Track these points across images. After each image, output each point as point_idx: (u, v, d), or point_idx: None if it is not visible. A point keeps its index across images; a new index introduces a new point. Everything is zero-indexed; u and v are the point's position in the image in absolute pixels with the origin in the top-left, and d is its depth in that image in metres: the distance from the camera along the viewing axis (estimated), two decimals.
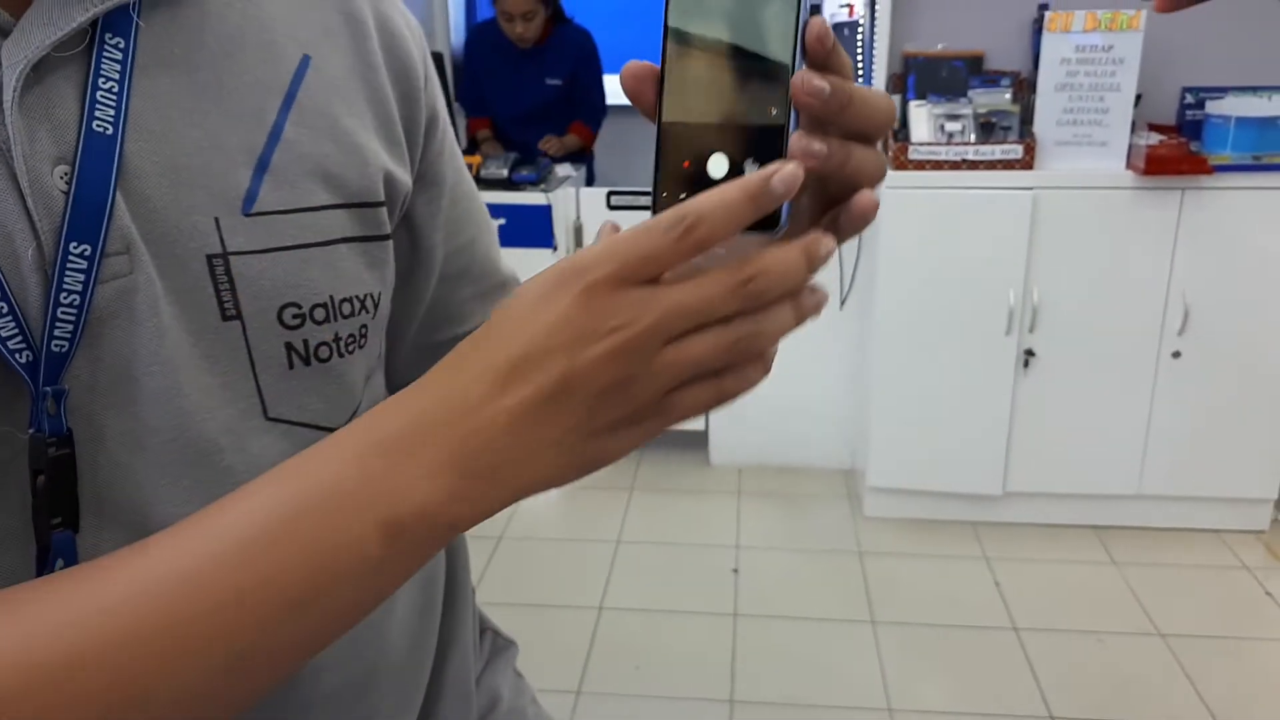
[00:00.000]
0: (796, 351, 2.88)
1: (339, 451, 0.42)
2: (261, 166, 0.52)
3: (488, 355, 0.41)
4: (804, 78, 0.40)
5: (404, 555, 0.42)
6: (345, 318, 0.55)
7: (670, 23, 0.42)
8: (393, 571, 0.42)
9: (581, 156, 3.52)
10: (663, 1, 0.43)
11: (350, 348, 0.56)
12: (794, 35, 0.41)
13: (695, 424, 3.23)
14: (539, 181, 3.09)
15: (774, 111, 0.41)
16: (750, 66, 0.42)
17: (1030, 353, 2.74)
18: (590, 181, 3.60)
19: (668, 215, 0.39)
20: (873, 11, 2.90)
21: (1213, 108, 2.74)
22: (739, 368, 0.42)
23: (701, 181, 0.42)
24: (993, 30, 2.96)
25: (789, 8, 0.41)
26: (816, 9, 0.40)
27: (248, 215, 0.51)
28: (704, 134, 0.42)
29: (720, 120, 0.42)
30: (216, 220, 0.50)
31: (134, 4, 0.48)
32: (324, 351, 0.55)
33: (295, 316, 0.53)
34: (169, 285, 0.49)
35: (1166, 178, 2.58)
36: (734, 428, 3.23)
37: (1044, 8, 2.86)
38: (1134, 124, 2.67)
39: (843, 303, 2.98)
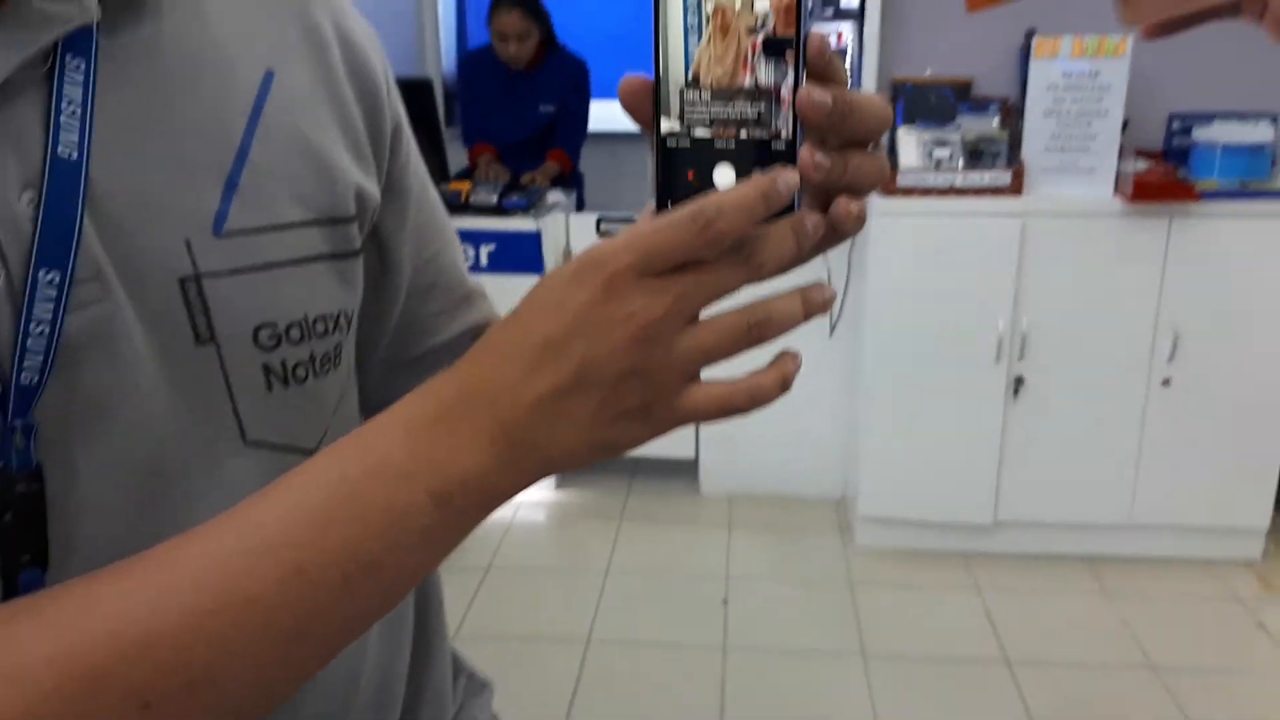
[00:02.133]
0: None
1: (385, 429, 0.44)
2: (231, 185, 0.51)
3: (518, 338, 0.43)
4: (808, 92, 0.42)
5: (452, 524, 0.44)
6: (320, 336, 0.55)
7: (668, 35, 0.44)
8: (442, 540, 0.45)
9: (567, 181, 3.51)
10: (653, 11, 0.45)
11: (326, 367, 0.56)
12: (797, 49, 0.43)
13: (685, 452, 3.21)
14: (529, 208, 3.09)
15: (780, 125, 0.43)
16: (754, 81, 0.43)
17: (1020, 380, 2.73)
18: (580, 207, 3.59)
19: (688, 210, 0.41)
20: (861, 37, 2.91)
21: (1200, 134, 2.74)
22: (754, 380, 0.44)
23: (707, 189, 0.44)
24: (981, 57, 2.96)
25: (791, 23, 0.43)
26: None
27: (219, 235, 0.50)
28: (709, 147, 0.44)
29: (728, 132, 0.44)
30: (187, 241, 0.49)
31: (95, 25, 0.47)
32: (301, 372, 0.54)
33: (271, 337, 0.52)
34: (141, 311, 0.48)
35: (1154, 204, 2.58)
36: (724, 457, 3.21)
37: (1031, 34, 2.87)
38: (1121, 150, 2.67)
39: (832, 330, 2.97)
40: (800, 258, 0.43)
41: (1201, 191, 2.58)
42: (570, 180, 3.53)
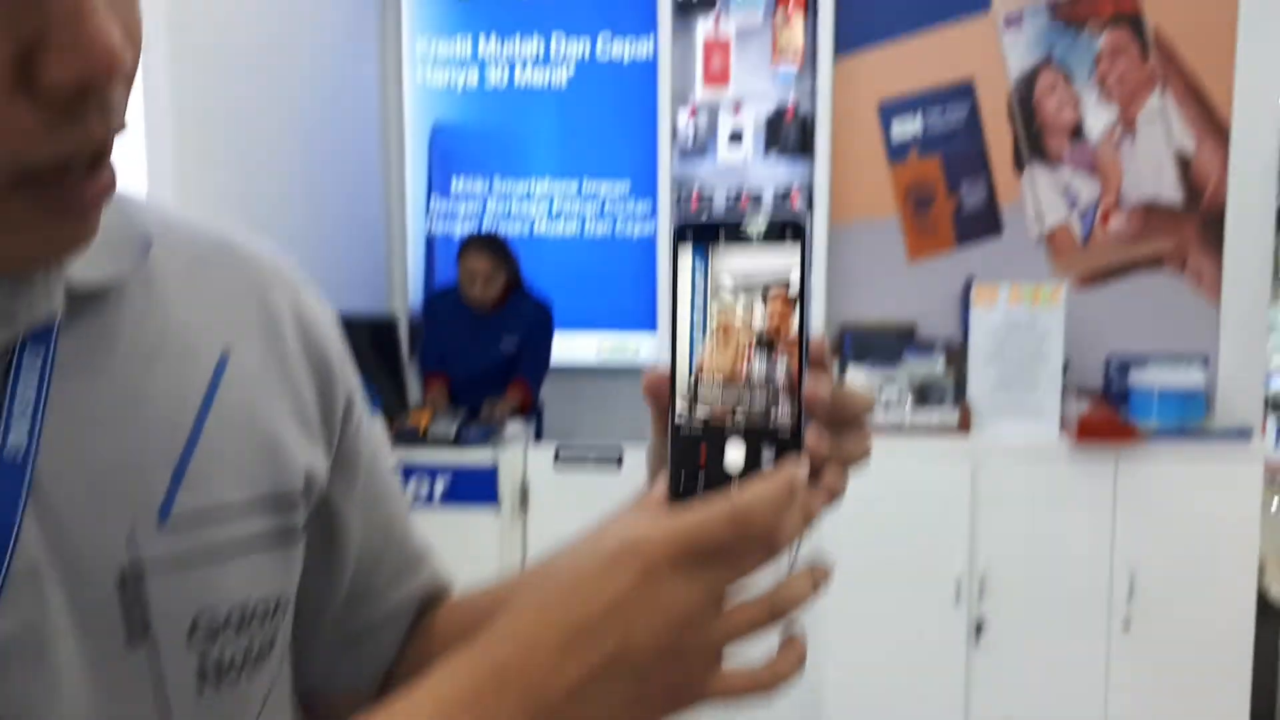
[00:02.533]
0: None
1: (417, 706, 0.44)
2: (179, 470, 0.51)
3: (553, 619, 0.44)
4: (813, 386, 0.48)
5: None
6: (260, 623, 0.54)
7: (677, 336, 0.50)
8: None
9: (527, 412, 3.54)
10: (670, 318, 0.51)
11: (260, 658, 0.54)
12: (800, 348, 0.48)
13: None
14: (487, 440, 3.09)
15: (785, 413, 0.49)
16: (765, 377, 0.49)
17: (981, 624, 2.68)
18: (539, 436, 3.61)
19: (726, 509, 0.44)
20: (808, 281, 3.06)
21: (1136, 377, 2.85)
22: (777, 667, 0.46)
23: (719, 472, 0.49)
24: (923, 302, 3.11)
25: (794, 330, 0.49)
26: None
27: (163, 525, 0.50)
28: (720, 432, 0.49)
29: (737, 419, 0.49)
30: (130, 532, 0.48)
31: (57, 320, 0.48)
32: (236, 667, 0.53)
33: (209, 628, 0.51)
34: (74, 609, 0.46)
35: (1100, 444, 2.64)
36: None
37: (970, 282, 3.03)
38: (1064, 391, 2.76)
39: (791, 569, 2.93)
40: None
41: (1144, 433, 2.65)
42: (529, 413, 3.57)
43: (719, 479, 0.49)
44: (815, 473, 0.49)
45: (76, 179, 0.42)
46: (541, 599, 0.45)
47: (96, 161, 0.42)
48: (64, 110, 0.39)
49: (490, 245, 3.46)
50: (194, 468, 0.51)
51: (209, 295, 0.56)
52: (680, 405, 0.50)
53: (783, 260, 0.49)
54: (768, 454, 0.49)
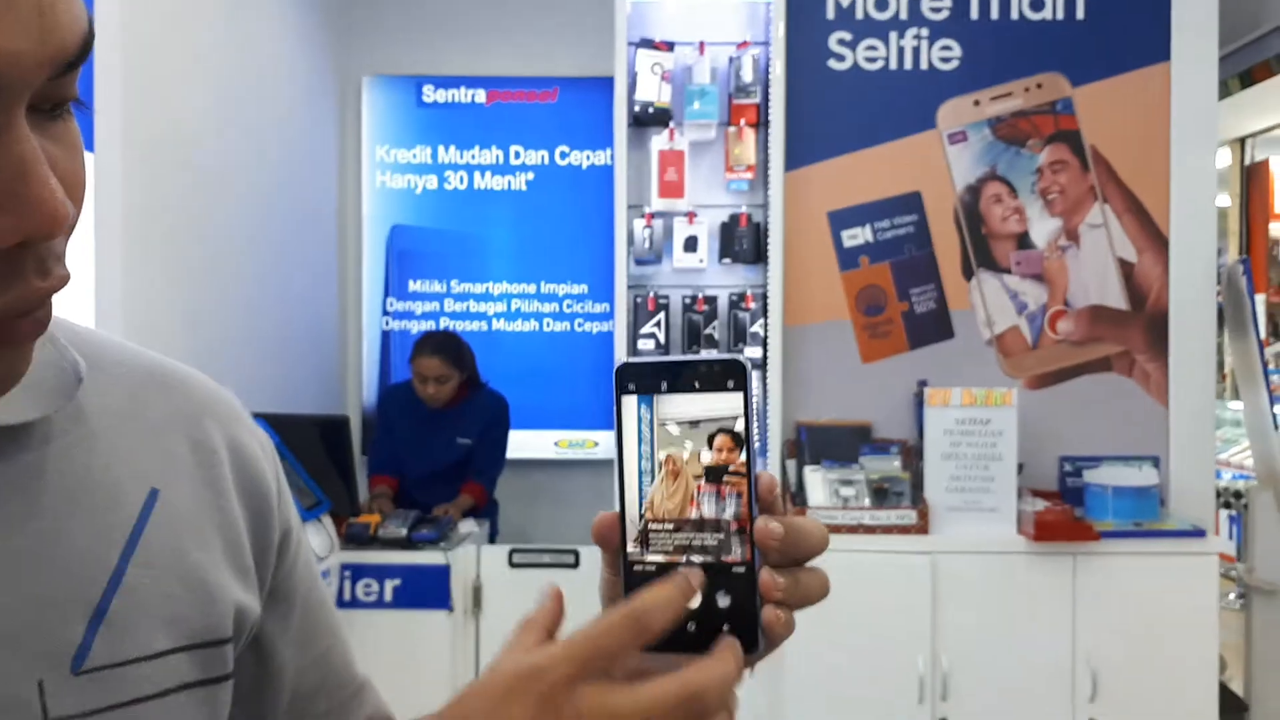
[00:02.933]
0: None
1: None
2: (98, 616, 0.48)
3: None
4: (765, 523, 0.48)
5: None
6: None
7: (625, 478, 0.50)
8: None
9: (481, 512, 3.48)
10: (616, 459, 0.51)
11: None
12: (749, 487, 0.49)
13: None
14: (439, 540, 3.03)
15: (741, 552, 0.49)
16: (715, 517, 0.49)
17: None
18: (493, 537, 3.54)
19: (623, 611, 0.45)
20: (765, 385, 3.07)
21: (1090, 477, 2.88)
22: None
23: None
24: (878, 402, 3.14)
25: (744, 465, 0.49)
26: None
27: (77, 674, 0.47)
28: (674, 571, 0.49)
29: (691, 560, 0.49)
30: (40, 684, 0.45)
31: None
32: None
33: None
34: None
35: (1057, 543, 2.65)
36: None
37: (923, 384, 3.07)
38: (1020, 490, 2.78)
39: (751, 669, 2.87)
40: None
41: (1100, 531, 2.67)
42: (481, 510, 3.51)
43: (675, 622, 0.49)
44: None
45: (12, 321, 0.41)
46: None
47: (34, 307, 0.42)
48: (3, 268, 0.39)
49: (444, 347, 3.45)
50: (114, 612, 0.49)
51: (141, 430, 0.54)
52: (632, 548, 0.50)
53: (726, 400, 0.49)
54: (723, 596, 0.49)
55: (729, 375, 0.49)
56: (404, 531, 3.01)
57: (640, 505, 0.50)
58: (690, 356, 0.51)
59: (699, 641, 0.49)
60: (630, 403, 0.50)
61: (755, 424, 0.51)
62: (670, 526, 0.50)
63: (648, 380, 0.50)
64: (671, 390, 0.50)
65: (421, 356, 3.42)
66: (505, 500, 3.71)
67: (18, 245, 0.39)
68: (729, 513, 0.49)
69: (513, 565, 2.98)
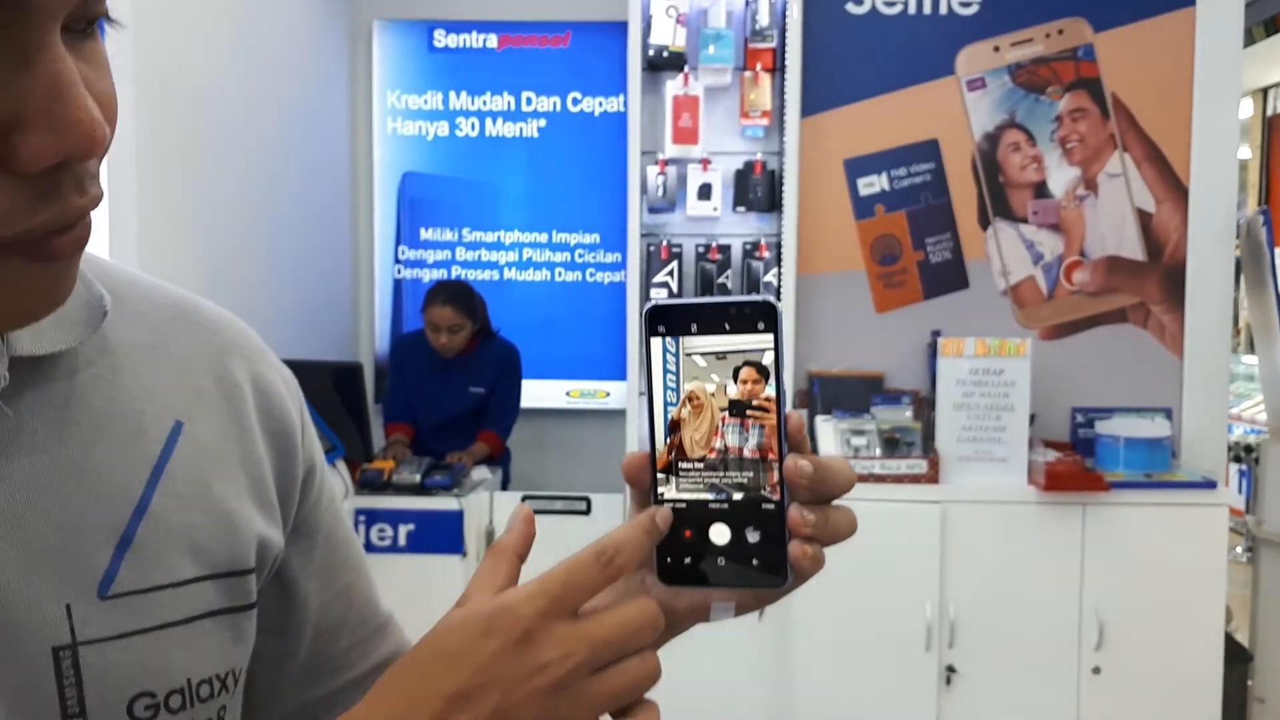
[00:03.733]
0: (718, 664, 2.75)
1: None
2: (124, 543, 0.49)
3: (427, 686, 0.44)
4: (794, 461, 0.49)
5: None
6: (203, 701, 0.52)
7: (655, 417, 0.51)
8: None
9: (494, 459, 3.51)
10: (646, 399, 0.51)
11: None
12: (779, 425, 0.50)
13: None
14: (452, 486, 3.05)
15: (769, 489, 0.50)
16: (745, 454, 0.50)
17: (952, 669, 2.67)
18: (506, 483, 3.57)
19: (592, 549, 0.46)
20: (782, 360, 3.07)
21: (1102, 428, 2.88)
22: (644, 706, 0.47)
23: (705, 550, 0.50)
24: (890, 353, 3.13)
25: (772, 402, 0.50)
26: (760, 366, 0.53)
27: (104, 598, 0.48)
28: (705, 508, 0.50)
29: (722, 497, 0.50)
30: (68, 607, 0.47)
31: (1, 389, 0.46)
32: None
33: (148, 707, 0.49)
34: (6, 686, 0.44)
35: (1067, 494, 2.66)
36: None
37: (937, 334, 3.06)
38: (1031, 441, 2.78)
39: (761, 614, 2.90)
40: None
41: (1110, 482, 2.68)
42: (496, 458, 3.53)
43: (705, 557, 0.50)
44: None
45: (52, 237, 0.41)
46: (418, 667, 0.45)
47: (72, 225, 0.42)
48: (42, 187, 0.39)
49: (456, 296, 3.45)
50: (140, 538, 0.50)
51: (166, 364, 0.55)
52: (662, 487, 0.51)
53: (756, 339, 0.49)
54: (752, 531, 0.50)
55: (760, 317, 0.49)
56: (417, 478, 3.03)
57: (670, 445, 0.51)
58: (721, 299, 0.51)
59: (729, 574, 0.51)
60: (658, 344, 0.51)
61: (785, 364, 0.51)
62: (700, 464, 0.50)
63: (677, 322, 0.50)
64: (701, 332, 0.50)
65: (434, 306, 3.42)
66: (517, 450, 3.73)
67: (56, 165, 0.39)
68: (758, 448, 0.50)
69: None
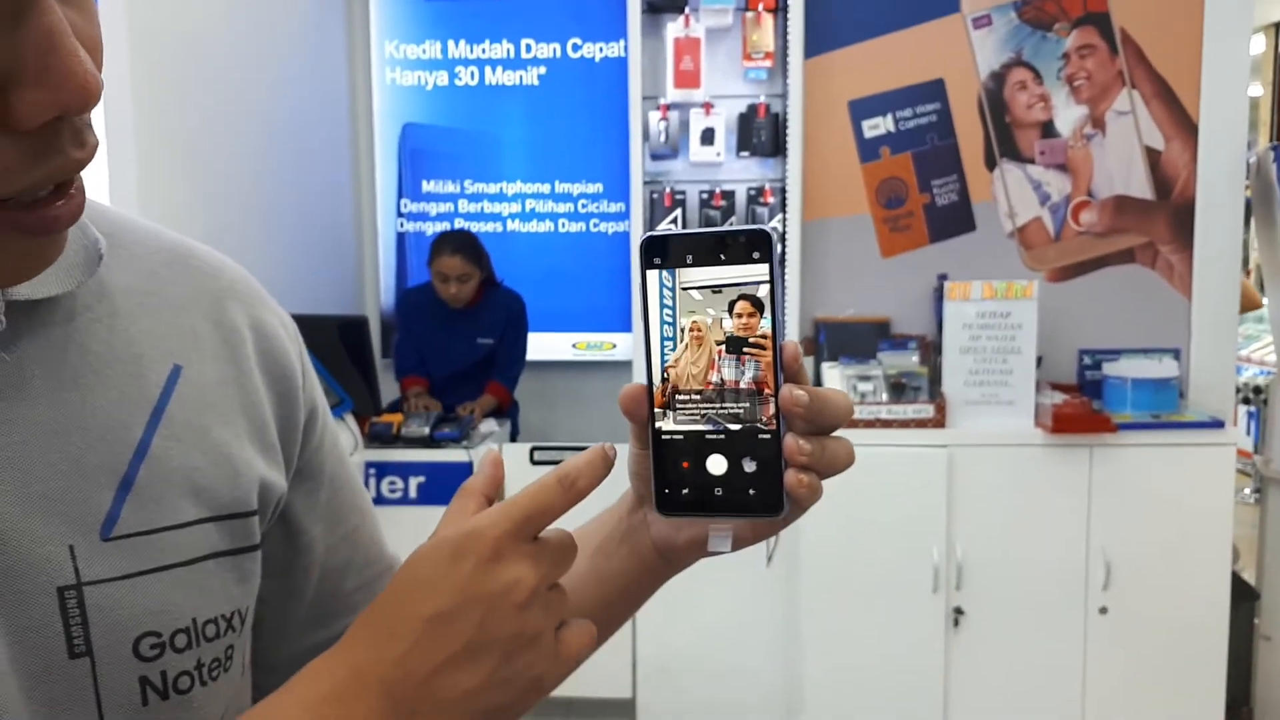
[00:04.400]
0: (726, 610, 2.78)
1: (282, 707, 0.46)
2: (125, 485, 0.49)
3: (406, 613, 0.46)
4: (790, 391, 0.50)
5: None
6: (209, 640, 0.52)
7: (650, 348, 0.51)
8: None
9: (502, 411, 3.52)
10: (643, 329, 0.51)
11: (214, 673, 0.53)
12: (774, 355, 0.50)
13: (622, 691, 3.06)
14: (461, 439, 3.07)
15: (766, 419, 0.50)
16: (740, 384, 0.50)
17: (959, 611, 2.69)
18: (514, 436, 3.59)
19: (555, 474, 0.48)
20: (782, 279, 3.05)
21: (1109, 369, 2.88)
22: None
23: (702, 480, 0.51)
24: (897, 298, 3.12)
25: (768, 338, 0.50)
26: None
27: (107, 540, 0.48)
28: (701, 438, 0.51)
29: (719, 427, 0.50)
30: (71, 548, 0.47)
31: None
32: (184, 682, 0.51)
33: (154, 646, 0.49)
34: (12, 624, 0.45)
35: (1074, 435, 2.66)
36: (662, 694, 3.06)
37: (943, 278, 3.04)
38: (1038, 384, 2.77)
39: (769, 559, 2.93)
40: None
41: (1117, 423, 2.67)
42: (505, 410, 3.54)
43: (703, 487, 0.51)
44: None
45: (47, 199, 0.41)
46: (394, 597, 0.47)
47: (68, 182, 0.42)
48: (40, 143, 0.39)
49: (462, 245, 3.43)
50: (141, 480, 0.50)
51: (164, 308, 0.55)
52: (660, 418, 0.51)
53: (752, 270, 0.49)
54: (748, 461, 0.50)
55: (754, 246, 0.49)
56: (426, 430, 3.05)
57: (666, 376, 0.51)
58: (714, 228, 0.51)
59: (726, 504, 0.51)
60: (654, 276, 0.51)
61: (781, 293, 0.50)
62: (696, 395, 0.51)
63: (672, 253, 0.50)
64: (696, 263, 0.50)
65: (442, 256, 3.41)
66: (524, 402, 3.74)
67: (53, 119, 0.39)
68: (754, 379, 0.50)
69: (534, 463, 3.02)
